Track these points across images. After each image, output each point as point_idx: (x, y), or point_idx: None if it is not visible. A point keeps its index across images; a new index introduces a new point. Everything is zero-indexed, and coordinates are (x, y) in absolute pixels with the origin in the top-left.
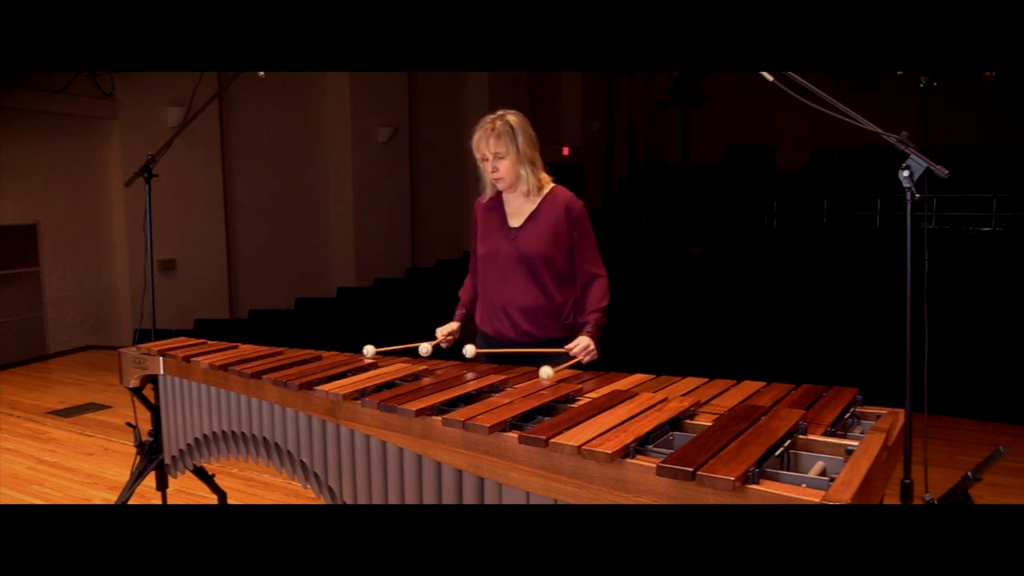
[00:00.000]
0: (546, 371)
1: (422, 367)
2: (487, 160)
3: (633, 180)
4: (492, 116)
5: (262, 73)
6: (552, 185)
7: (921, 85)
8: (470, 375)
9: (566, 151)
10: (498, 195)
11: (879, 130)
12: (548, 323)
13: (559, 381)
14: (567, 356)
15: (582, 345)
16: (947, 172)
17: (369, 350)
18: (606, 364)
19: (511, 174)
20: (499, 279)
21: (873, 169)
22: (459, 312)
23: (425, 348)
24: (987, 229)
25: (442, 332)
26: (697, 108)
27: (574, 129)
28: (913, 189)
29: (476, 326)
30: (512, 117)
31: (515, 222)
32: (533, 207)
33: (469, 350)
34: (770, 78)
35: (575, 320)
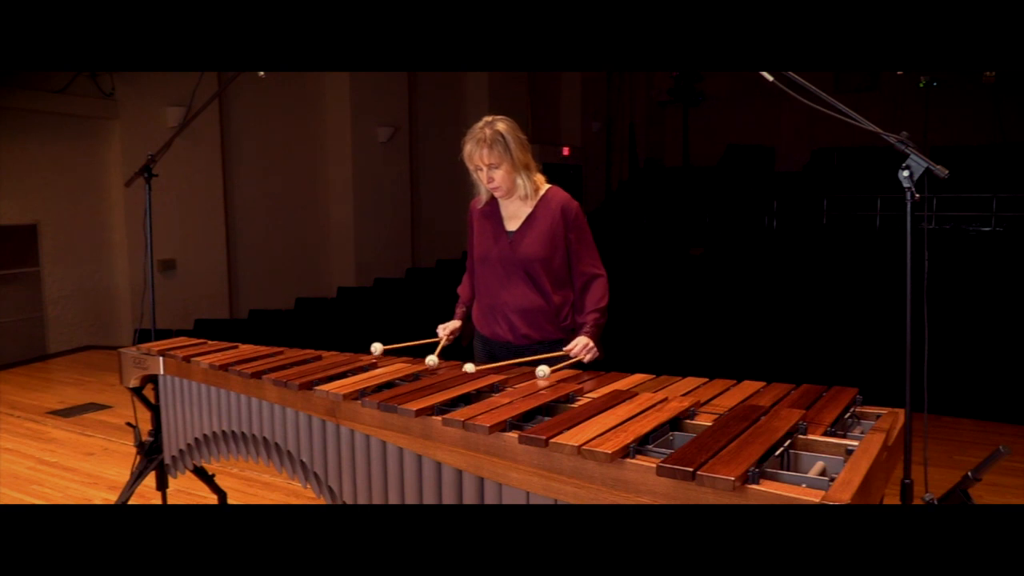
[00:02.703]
0: (543, 370)
1: (422, 367)
2: (481, 170)
3: (633, 180)
4: (480, 125)
5: (262, 73)
6: (547, 187)
7: (921, 85)
8: (470, 375)
9: (566, 151)
10: (493, 198)
11: (879, 130)
12: (546, 326)
13: (559, 381)
14: (567, 359)
15: (581, 344)
16: (947, 172)
17: (376, 348)
18: (606, 364)
19: (507, 182)
20: (496, 283)
21: (873, 169)
22: (460, 310)
23: (432, 360)
24: (987, 229)
25: (444, 330)
26: (697, 108)
27: (574, 129)
28: (913, 189)
29: (473, 327)
30: (501, 124)
31: (512, 226)
32: (529, 210)
33: (470, 368)
34: (770, 78)
35: (573, 322)
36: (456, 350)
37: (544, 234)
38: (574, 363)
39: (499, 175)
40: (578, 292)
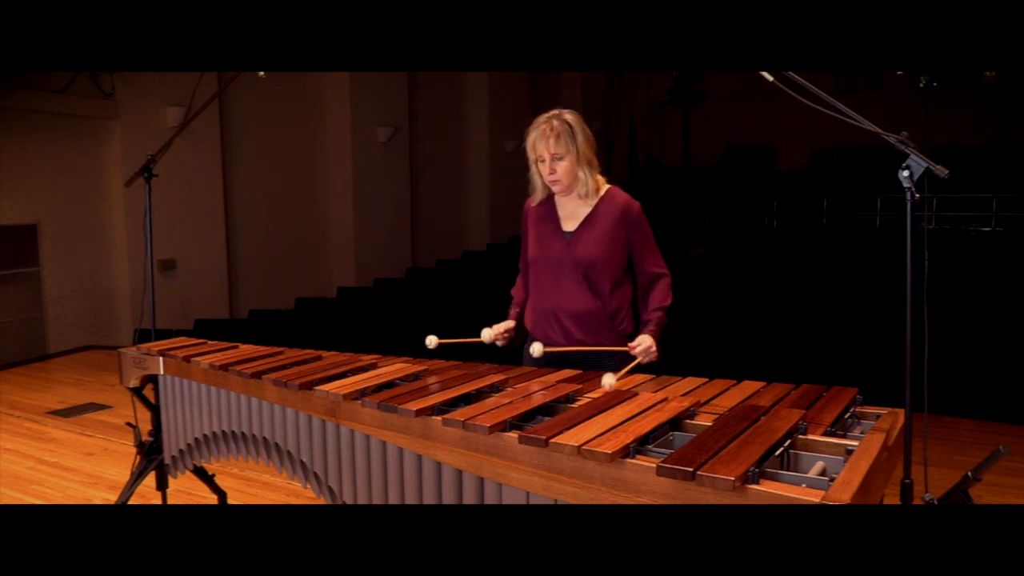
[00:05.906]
0: (608, 379)
1: (422, 367)
2: (544, 161)
3: (633, 180)
4: (548, 115)
5: (262, 73)
6: (608, 187)
7: (921, 85)
8: (471, 375)
9: None
10: (550, 198)
11: (879, 130)
12: (602, 330)
13: (558, 381)
14: (628, 355)
15: (644, 345)
16: (947, 172)
17: (432, 341)
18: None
19: (569, 176)
20: (551, 285)
21: (873, 169)
22: (513, 311)
23: (487, 334)
24: (987, 229)
25: (497, 330)
26: (697, 108)
27: None
28: (913, 189)
29: (527, 330)
30: (569, 116)
31: (569, 226)
32: (588, 210)
33: (537, 349)
34: (770, 78)
35: (629, 326)
36: (507, 352)
37: (604, 235)
38: (633, 366)
39: (562, 167)
40: (642, 291)
